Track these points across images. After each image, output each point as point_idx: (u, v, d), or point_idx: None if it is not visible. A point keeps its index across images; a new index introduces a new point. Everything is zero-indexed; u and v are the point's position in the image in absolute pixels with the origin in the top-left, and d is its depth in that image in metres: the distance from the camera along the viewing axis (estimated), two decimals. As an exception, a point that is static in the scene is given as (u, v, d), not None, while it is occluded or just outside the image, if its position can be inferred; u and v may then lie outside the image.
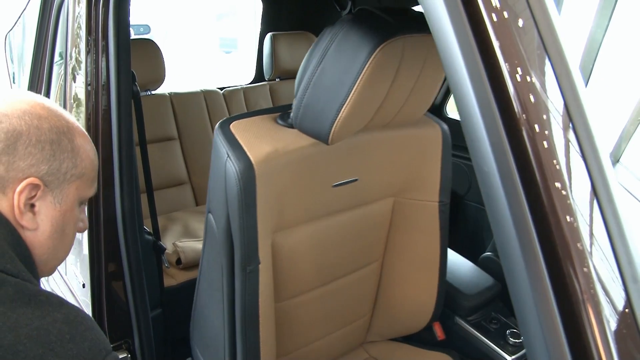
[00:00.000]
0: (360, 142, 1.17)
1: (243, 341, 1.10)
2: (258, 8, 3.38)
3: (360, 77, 0.94)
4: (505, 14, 0.49)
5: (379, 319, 1.52)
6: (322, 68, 0.98)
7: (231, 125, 1.03)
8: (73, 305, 0.67)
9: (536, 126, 0.49)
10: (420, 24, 0.99)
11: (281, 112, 1.12)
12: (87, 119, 1.20)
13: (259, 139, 1.03)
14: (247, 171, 0.98)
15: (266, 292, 1.12)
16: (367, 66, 0.93)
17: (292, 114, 1.06)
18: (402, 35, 0.94)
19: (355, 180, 1.21)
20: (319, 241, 1.24)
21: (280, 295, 1.23)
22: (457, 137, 3.09)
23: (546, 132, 0.49)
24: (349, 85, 0.94)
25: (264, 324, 1.12)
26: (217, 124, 1.05)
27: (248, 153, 0.99)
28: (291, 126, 1.08)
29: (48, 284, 1.63)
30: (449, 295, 1.58)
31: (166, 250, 1.52)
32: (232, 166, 0.98)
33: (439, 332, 1.56)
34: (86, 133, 0.81)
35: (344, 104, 0.96)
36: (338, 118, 0.98)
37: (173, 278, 1.77)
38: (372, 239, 1.36)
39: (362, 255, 1.37)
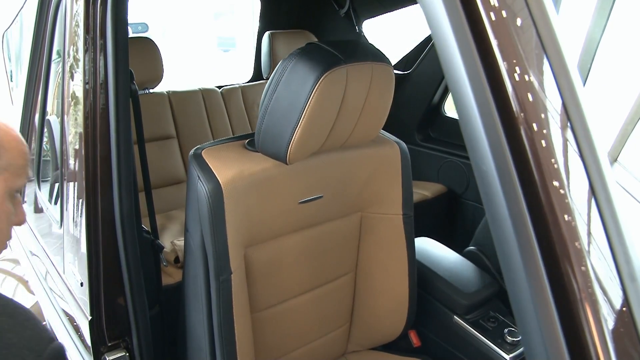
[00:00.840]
0: (322, 161, 1.29)
1: (221, 348, 1.18)
2: (256, 6, 3.38)
3: (308, 103, 1.07)
4: (504, 13, 0.49)
5: (357, 329, 1.58)
6: (276, 96, 1.11)
7: (203, 152, 1.17)
8: (12, 299, 0.68)
9: (534, 125, 0.49)
10: (363, 53, 1.15)
11: (250, 139, 1.25)
12: (85, 118, 1.20)
13: (227, 163, 1.16)
14: (216, 191, 1.11)
15: (241, 301, 1.21)
16: (313, 92, 1.06)
17: (256, 140, 1.18)
18: (345, 64, 1.08)
19: (320, 197, 1.32)
20: (291, 255, 1.34)
21: (256, 305, 1.32)
22: (455, 135, 3.11)
23: (544, 131, 0.49)
24: (300, 110, 1.08)
25: (240, 331, 1.20)
26: (191, 151, 1.18)
27: (217, 175, 1.12)
28: (258, 151, 1.21)
29: (46, 282, 1.62)
30: (447, 294, 1.59)
31: (164, 249, 1.52)
32: (202, 187, 1.11)
33: (414, 339, 1.65)
34: (10, 126, 0.82)
35: (296, 127, 1.09)
36: (292, 139, 1.10)
37: (171, 277, 1.77)
38: (344, 252, 1.46)
39: (335, 267, 1.46)
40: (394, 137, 1.44)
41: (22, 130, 1.87)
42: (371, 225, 1.46)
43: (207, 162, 1.14)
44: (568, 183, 0.49)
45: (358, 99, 1.16)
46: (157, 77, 2.36)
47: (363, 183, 1.39)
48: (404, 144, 1.43)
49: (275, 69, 1.12)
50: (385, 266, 1.49)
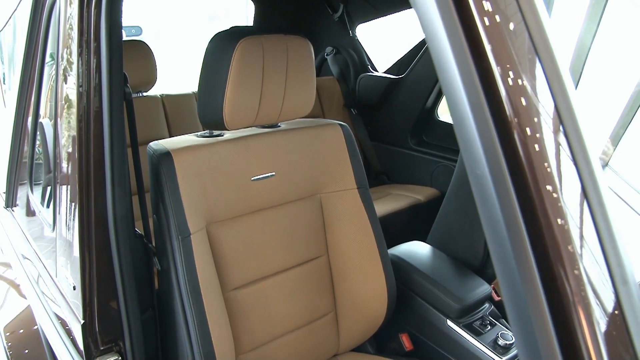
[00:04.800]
0: (270, 141, 1.44)
1: (193, 320, 1.26)
2: (250, 10, 3.38)
3: (230, 67, 1.24)
4: (497, 18, 0.50)
5: (343, 316, 1.59)
6: (206, 72, 1.30)
7: (159, 141, 1.34)
8: None
9: (527, 129, 0.49)
10: (276, 30, 1.33)
11: (202, 132, 1.43)
12: (79, 121, 1.20)
13: (178, 143, 1.33)
14: (167, 159, 1.26)
15: (205, 267, 1.29)
16: (233, 57, 1.23)
17: (199, 116, 1.35)
18: (259, 35, 1.27)
19: (272, 175, 1.44)
20: (256, 235, 1.43)
21: (226, 284, 1.38)
22: (448, 139, 3.12)
23: (537, 135, 0.49)
24: (225, 75, 1.25)
25: (210, 304, 1.27)
26: (149, 144, 1.34)
27: (167, 148, 1.29)
28: (207, 137, 1.39)
29: (38, 286, 1.62)
30: (440, 298, 1.59)
31: (157, 252, 1.52)
32: (156, 159, 1.27)
33: (407, 343, 1.67)
34: None
35: (224, 91, 1.25)
36: (224, 103, 1.26)
37: (164, 280, 1.77)
38: (311, 234, 1.54)
39: (304, 249, 1.53)
40: (335, 120, 1.59)
41: (14, 133, 1.87)
42: (331, 204, 1.56)
43: (162, 144, 1.31)
44: (561, 187, 0.49)
45: (279, 70, 1.31)
46: (151, 80, 2.36)
47: (313, 164, 1.51)
48: (346, 126, 1.57)
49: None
50: (353, 243, 1.55)
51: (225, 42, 1.26)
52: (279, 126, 1.52)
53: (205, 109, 1.31)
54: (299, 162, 1.49)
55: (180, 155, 1.28)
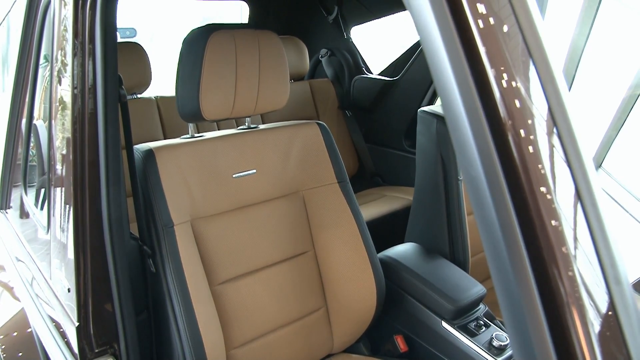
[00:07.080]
0: (250, 139, 1.49)
1: (179, 309, 1.29)
2: (245, 11, 3.38)
3: (204, 58, 1.29)
4: (491, 20, 0.50)
5: (334, 311, 1.60)
6: (182, 68, 1.34)
7: (145, 143, 1.38)
8: None
9: (522, 131, 0.49)
10: (247, 26, 1.44)
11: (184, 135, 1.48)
12: (73, 123, 1.19)
13: (160, 143, 1.38)
14: (149, 156, 1.32)
15: (191, 262, 1.32)
16: (206, 48, 1.29)
17: (177, 109, 1.39)
18: (230, 29, 1.33)
19: (254, 172, 1.48)
20: (239, 231, 1.46)
21: (213, 278, 1.40)
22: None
23: (531, 137, 0.49)
24: (199, 66, 1.30)
25: (197, 300, 1.30)
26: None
27: (150, 147, 1.34)
28: (189, 138, 1.43)
29: (32, 289, 1.61)
30: (435, 299, 1.60)
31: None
32: (139, 158, 1.32)
33: (401, 345, 1.67)
34: None
35: (199, 81, 1.30)
36: (200, 93, 1.31)
37: (159, 282, 1.76)
38: (296, 230, 1.57)
39: (290, 245, 1.55)
40: (313, 120, 1.64)
41: (8, 134, 1.86)
42: (314, 200, 1.59)
43: (146, 145, 1.36)
44: (555, 188, 0.49)
45: (251, 62, 1.37)
46: (145, 82, 2.36)
47: (293, 161, 1.55)
48: (323, 124, 1.62)
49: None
50: (337, 236, 1.57)
51: (198, 36, 1.32)
52: (258, 127, 1.56)
53: (183, 100, 1.35)
54: (279, 159, 1.53)
55: (161, 153, 1.33)
